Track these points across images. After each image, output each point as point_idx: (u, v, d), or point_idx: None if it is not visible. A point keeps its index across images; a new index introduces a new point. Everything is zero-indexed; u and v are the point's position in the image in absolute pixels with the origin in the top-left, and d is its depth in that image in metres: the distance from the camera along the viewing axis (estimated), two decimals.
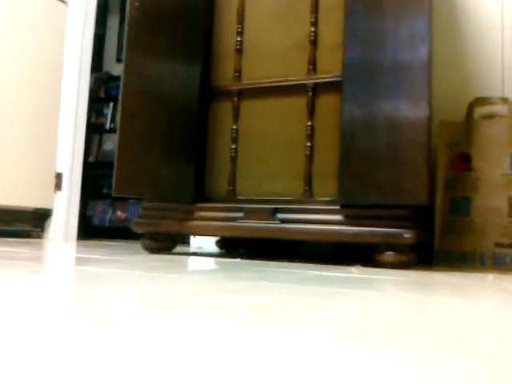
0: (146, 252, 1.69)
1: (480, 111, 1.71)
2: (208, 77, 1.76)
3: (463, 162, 1.67)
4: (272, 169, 1.63)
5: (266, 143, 1.65)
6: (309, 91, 1.60)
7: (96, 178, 4.43)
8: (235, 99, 1.71)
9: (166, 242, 1.71)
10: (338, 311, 0.61)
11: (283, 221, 1.51)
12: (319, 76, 1.60)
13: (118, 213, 4.38)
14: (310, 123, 1.59)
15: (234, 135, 1.70)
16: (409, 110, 1.36)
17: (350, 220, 1.43)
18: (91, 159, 4.42)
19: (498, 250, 1.57)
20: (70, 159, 2.93)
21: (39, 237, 2.74)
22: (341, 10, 1.54)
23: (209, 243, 2.17)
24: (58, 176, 2.87)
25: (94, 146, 4.50)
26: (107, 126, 4.51)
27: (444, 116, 1.74)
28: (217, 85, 1.75)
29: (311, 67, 1.62)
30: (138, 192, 1.65)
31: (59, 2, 2.83)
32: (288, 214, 1.52)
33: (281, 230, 1.51)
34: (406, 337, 0.47)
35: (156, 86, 1.64)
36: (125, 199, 4.17)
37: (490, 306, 0.75)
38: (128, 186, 1.58)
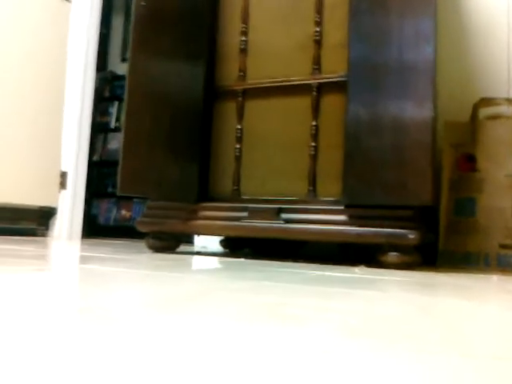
0: (151, 251, 1.69)
1: (485, 112, 1.70)
2: (212, 76, 1.76)
3: (468, 162, 1.66)
4: (276, 168, 1.63)
5: (270, 143, 1.65)
6: (313, 91, 1.60)
7: (101, 176, 4.44)
8: (239, 99, 1.71)
9: (171, 241, 1.71)
10: (341, 311, 0.61)
11: (287, 221, 1.51)
12: (324, 76, 1.60)
13: (123, 212, 4.39)
14: (314, 123, 1.59)
15: (239, 135, 1.70)
16: (414, 110, 1.35)
17: (354, 220, 1.43)
18: (96, 158, 4.43)
19: (503, 251, 1.56)
20: (74, 158, 2.93)
21: (44, 235, 2.75)
22: (345, 9, 1.53)
23: (213, 243, 2.18)
24: (63, 175, 2.88)
25: (99, 145, 4.51)
26: (112, 125, 4.52)
27: (449, 116, 1.73)
28: (221, 84, 1.75)
29: (316, 67, 1.61)
30: (143, 191, 1.65)
31: (63, 1, 2.84)
32: (292, 214, 1.52)
33: (285, 229, 1.51)
34: (409, 337, 0.47)
35: (161, 86, 1.64)
36: (129, 198, 4.18)
37: (494, 308, 0.75)
38: (133, 185, 1.58)
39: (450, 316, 0.63)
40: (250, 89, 1.70)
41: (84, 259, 1.39)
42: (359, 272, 1.22)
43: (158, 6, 1.63)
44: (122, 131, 1.56)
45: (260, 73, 1.69)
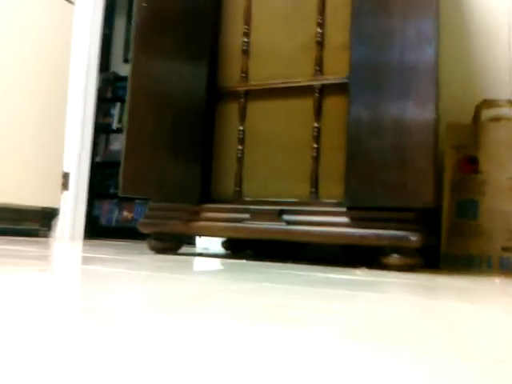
0: (152, 252, 1.69)
1: (487, 114, 1.70)
2: (215, 77, 1.76)
3: (470, 164, 1.66)
4: (278, 170, 1.63)
5: (272, 144, 1.65)
6: (315, 92, 1.60)
7: (103, 177, 4.44)
8: (242, 100, 1.71)
9: (172, 243, 1.71)
10: (343, 313, 0.61)
11: (289, 222, 1.51)
12: (326, 77, 1.60)
13: (125, 213, 4.39)
14: (316, 125, 1.59)
15: (241, 136, 1.70)
16: (416, 112, 1.35)
17: (356, 222, 1.42)
18: (98, 159, 4.44)
19: (505, 254, 1.56)
20: (77, 159, 2.94)
21: (46, 236, 2.76)
22: (348, 10, 1.53)
23: (214, 244, 2.18)
24: (65, 176, 2.89)
25: (101, 146, 4.52)
26: (114, 126, 4.52)
27: (451, 118, 1.73)
28: (223, 86, 1.75)
29: (318, 68, 1.61)
30: (145, 192, 1.65)
31: (66, 2, 2.85)
32: (294, 216, 1.51)
33: (287, 231, 1.51)
34: (411, 340, 0.47)
35: (163, 87, 1.64)
36: (131, 199, 4.18)
37: (496, 311, 0.75)
38: (135, 186, 1.58)
39: (453, 319, 0.62)
40: (252, 90, 1.70)
41: (86, 260, 1.40)
42: (361, 274, 1.22)
43: (160, 6, 1.64)
44: (124, 132, 1.56)
45: (262, 74, 1.69)
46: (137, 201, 4.30)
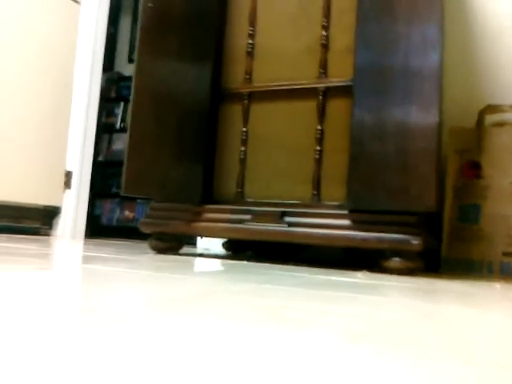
0: (153, 252, 1.69)
1: (491, 119, 1.70)
2: (219, 79, 1.77)
3: (473, 169, 1.66)
4: (281, 172, 1.63)
5: (275, 146, 1.65)
6: (319, 95, 1.60)
7: (105, 177, 4.45)
8: (245, 102, 1.71)
9: (173, 243, 1.71)
10: (344, 316, 0.61)
11: (291, 224, 1.51)
12: (330, 80, 1.60)
13: (126, 212, 4.40)
14: (319, 127, 1.59)
15: (244, 137, 1.70)
16: (419, 116, 1.35)
17: (357, 225, 1.42)
18: (101, 158, 4.44)
19: (506, 259, 1.56)
20: (79, 158, 2.94)
21: (47, 234, 2.76)
22: (353, 14, 1.53)
23: (215, 245, 2.18)
24: (68, 174, 2.89)
25: (104, 146, 4.52)
26: (117, 126, 4.53)
27: (454, 122, 1.73)
28: (227, 87, 1.76)
29: (322, 71, 1.62)
30: (147, 192, 1.66)
31: (72, 2, 2.86)
32: (296, 218, 1.52)
33: (288, 233, 1.51)
34: (412, 343, 0.47)
35: (167, 87, 1.64)
36: (133, 199, 4.19)
37: (497, 315, 0.75)
38: (137, 185, 1.58)
39: (453, 323, 0.62)
40: (255, 92, 1.71)
41: (87, 259, 1.40)
42: (362, 277, 1.22)
43: (165, 7, 1.64)
44: (128, 132, 1.57)
45: (266, 76, 1.69)
46: (138, 200, 4.30)
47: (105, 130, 4.48)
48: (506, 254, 1.56)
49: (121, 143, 4.35)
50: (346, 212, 1.45)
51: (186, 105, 1.69)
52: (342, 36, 1.60)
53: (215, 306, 0.62)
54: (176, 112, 1.66)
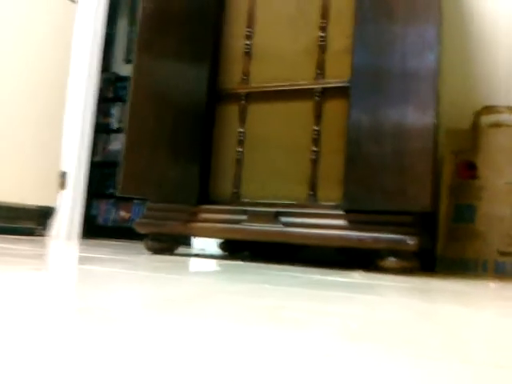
0: (149, 252, 1.69)
1: (487, 120, 1.71)
2: (216, 79, 1.77)
3: (468, 169, 1.67)
4: (277, 172, 1.63)
5: (271, 146, 1.65)
6: (316, 96, 1.60)
7: (101, 177, 4.44)
8: (242, 102, 1.71)
9: (169, 243, 1.71)
10: (341, 315, 0.61)
11: (287, 224, 1.51)
12: (327, 81, 1.60)
13: (122, 213, 4.39)
14: (316, 128, 1.59)
15: (240, 138, 1.70)
16: (415, 117, 1.36)
17: (353, 225, 1.43)
18: (97, 159, 4.43)
19: (501, 258, 1.56)
20: (76, 158, 2.94)
21: (43, 235, 2.75)
22: (350, 15, 1.54)
23: (211, 245, 2.17)
24: (64, 175, 2.88)
25: (100, 146, 4.51)
26: (114, 126, 4.52)
27: (450, 123, 1.74)
28: (224, 87, 1.75)
29: (319, 72, 1.62)
30: (143, 192, 1.65)
31: (69, 2, 2.85)
32: (292, 218, 1.52)
33: (284, 233, 1.51)
34: (409, 342, 0.47)
35: (164, 88, 1.64)
36: (129, 199, 4.18)
37: (491, 314, 0.75)
38: (133, 186, 1.58)
39: (449, 322, 0.63)
40: (252, 92, 1.71)
41: (83, 259, 1.39)
42: (358, 277, 1.22)
43: (163, 8, 1.64)
44: (125, 132, 1.56)
45: (263, 76, 1.69)
46: (134, 201, 4.30)
47: (101, 130, 4.47)
48: (501, 254, 1.57)
49: (117, 144, 4.34)
50: (342, 212, 1.46)
51: (183, 105, 1.69)
52: (340, 37, 1.60)
53: (212, 307, 0.62)
54: (173, 112, 1.66)
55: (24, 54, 2.65)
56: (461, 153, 1.69)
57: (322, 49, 1.62)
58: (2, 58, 2.55)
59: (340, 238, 1.43)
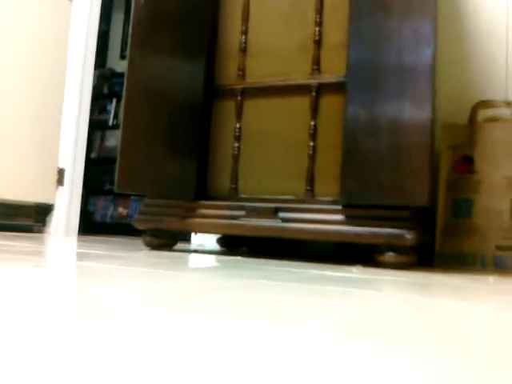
0: (148, 248, 1.69)
1: (484, 114, 1.71)
2: (212, 75, 1.76)
3: (466, 164, 1.67)
4: (274, 168, 1.63)
5: (268, 142, 1.65)
6: (312, 91, 1.60)
7: (98, 174, 4.43)
8: (239, 98, 1.71)
9: (168, 239, 1.71)
10: (339, 310, 0.61)
11: (285, 220, 1.51)
12: (323, 76, 1.60)
13: (120, 209, 4.38)
14: (313, 123, 1.59)
15: (237, 134, 1.70)
16: (412, 112, 1.36)
17: (351, 220, 1.43)
18: (93, 155, 4.42)
19: (499, 253, 1.57)
20: (72, 155, 2.93)
21: (40, 231, 2.75)
22: (345, 10, 1.53)
23: (210, 241, 2.18)
24: (61, 171, 2.88)
25: (97, 142, 4.50)
26: (110, 123, 4.51)
27: (447, 118, 1.74)
28: (220, 83, 1.75)
29: (315, 67, 1.61)
30: (141, 188, 1.65)
31: None
32: (290, 213, 1.52)
33: (282, 228, 1.51)
34: (407, 337, 0.47)
35: (160, 84, 1.64)
36: (126, 195, 4.18)
37: (490, 308, 0.75)
38: (130, 182, 1.58)
39: (448, 316, 0.63)
40: (249, 88, 1.70)
41: (81, 256, 1.39)
42: (356, 272, 1.22)
43: (158, 4, 1.63)
44: (121, 128, 1.56)
45: (259, 72, 1.69)
46: (132, 197, 4.29)
47: (97, 126, 4.46)
48: (499, 248, 1.57)
49: (114, 140, 4.33)
50: (339, 207, 1.46)
51: (179, 101, 1.68)
52: (335, 32, 1.60)
53: (211, 302, 0.62)
54: (169, 108, 1.66)
55: (20, 51, 2.63)
56: (458, 147, 1.69)
57: (318, 44, 1.62)
58: (0, 55, 2.54)
59: (338, 232, 1.44)
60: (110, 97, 4.53)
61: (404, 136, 1.36)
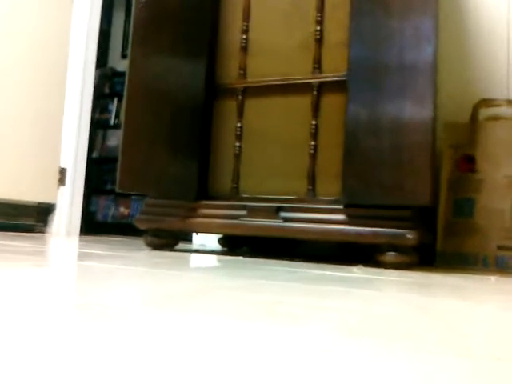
0: (149, 248, 1.69)
1: (485, 113, 1.70)
2: (213, 74, 1.76)
3: (467, 163, 1.67)
4: (276, 167, 1.63)
5: (269, 141, 1.65)
6: (314, 90, 1.60)
7: (99, 173, 4.43)
8: (240, 97, 1.71)
9: (169, 239, 1.71)
10: (340, 310, 0.61)
11: (286, 219, 1.51)
12: (324, 75, 1.60)
13: (121, 209, 4.39)
14: (314, 122, 1.59)
15: (238, 133, 1.70)
16: (413, 111, 1.35)
17: (352, 220, 1.43)
18: (95, 155, 4.42)
19: (501, 253, 1.56)
20: (73, 155, 2.93)
21: (42, 231, 2.75)
22: (346, 8, 1.53)
23: (211, 241, 2.18)
24: (62, 171, 2.88)
25: (98, 142, 4.50)
26: (111, 122, 4.51)
27: (448, 117, 1.73)
28: (221, 82, 1.75)
29: (316, 66, 1.61)
30: (142, 188, 1.65)
31: None
32: (291, 213, 1.52)
33: (283, 228, 1.51)
34: (408, 337, 0.47)
35: (161, 83, 1.64)
36: (128, 195, 4.17)
37: (491, 308, 0.75)
38: (132, 182, 1.58)
39: (448, 316, 0.63)
40: (250, 87, 1.70)
41: (82, 256, 1.39)
42: (357, 271, 1.22)
43: (159, 3, 1.63)
44: (122, 128, 1.56)
45: (260, 71, 1.69)
46: (133, 197, 4.29)
47: (99, 126, 4.46)
48: (500, 248, 1.57)
49: (115, 139, 4.34)
50: (341, 207, 1.46)
51: (180, 100, 1.68)
52: (336, 31, 1.60)
53: (212, 302, 0.62)
54: (170, 108, 1.66)
55: (21, 51, 2.64)
56: (459, 146, 1.69)
57: (319, 43, 1.62)
58: (0, 54, 2.54)
59: (339, 232, 1.43)
60: (111, 96, 4.53)
61: (405, 135, 1.36)
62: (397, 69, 1.39)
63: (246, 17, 1.74)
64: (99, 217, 4.42)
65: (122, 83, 4.18)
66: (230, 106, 1.73)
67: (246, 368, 0.33)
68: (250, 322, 0.49)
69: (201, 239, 2.25)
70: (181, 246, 1.81)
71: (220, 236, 2.05)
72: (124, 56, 4.55)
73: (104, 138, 4.52)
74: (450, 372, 0.36)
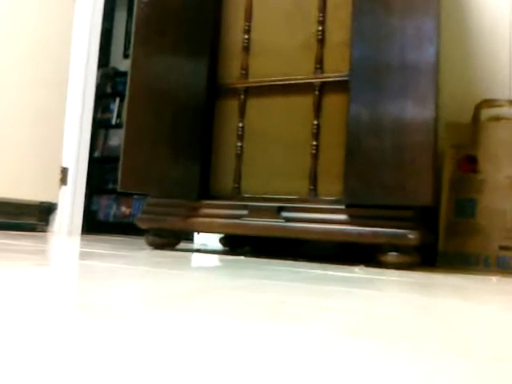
0: (150, 248, 1.69)
1: (487, 113, 1.70)
2: (214, 74, 1.76)
3: (469, 163, 1.66)
4: (277, 167, 1.63)
5: (271, 141, 1.65)
6: (315, 90, 1.60)
7: (101, 173, 4.44)
8: (241, 97, 1.71)
9: (170, 239, 1.71)
10: (341, 310, 0.61)
11: (288, 219, 1.51)
12: (326, 75, 1.60)
13: (123, 208, 4.39)
14: (316, 122, 1.59)
15: (240, 133, 1.70)
16: (415, 111, 1.35)
17: (354, 220, 1.43)
18: (97, 154, 4.43)
19: (503, 253, 1.56)
20: (75, 154, 2.93)
21: (44, 230, 2.75)
22: (348, 8, 1.53)
23: (213, 240, 2.18)
24: (64, 171, 2.88)
25: (100, 142, 4.51)
26: (113, 122, 4.52)
27: (450, 117, 1.73)
28: (223, 82, 1.75)
29: (318, 66, 1.61)
30: (143, 188, 1.65)
31: None
32: (293, 213, 1.52)
33: (285, 228, 1.51)
34: (409, 337, 0.47)
35: (163, 83, 1.64)
36: (129, 194, 4.18)
37: (493, 309, 0.75)
38: (133, 181, 1.58)
39: (450, 316, 0.63)
40: (251, 87, 1.70)
41: (84, 255, 1.40)
42: (359, 271, 1.22)
43: (161, 3, 1.63)
44: (124, 127, 1.56)
45: (262, 71, 1.69)
46: (135, 196, 4.30)
47: (101, 125, 4.47)
48: (502, 248, 1.57)
49: (117, 139, 4.34)
50: (342, 207, 1.46)
51: (182, 100, 1.69)
52: (338, 31, 1.59)
53: (213, 302, 0.62)
54: (172, 107, 1.66)
55: (23, 50, 2.64)
56: (461, 147, 1.68)
57: (321, 43, 1.62)
58: (2, 53, 2.55)
59: (341, 232, 1.43)
60: (113, 96, 4.53)
61: (407, 135, 1.36)
62: (399, 69, 1.39)
63: (248, 17, 1.74)
64: (101, 216, 4.43)
65: (124, 83, 4.18)
66: (231, 105, 1.73)
67: (248, 368, 0.33)
68: (252, 322, 0.49)
69: (202, 239, 2.25)
70: (182, 245, 1.81)
71: (221, 236, 2.05)
72: (126, 56, 4.56)
73: (106, 137, 4.52)
74: (452, 372, 0.36)
